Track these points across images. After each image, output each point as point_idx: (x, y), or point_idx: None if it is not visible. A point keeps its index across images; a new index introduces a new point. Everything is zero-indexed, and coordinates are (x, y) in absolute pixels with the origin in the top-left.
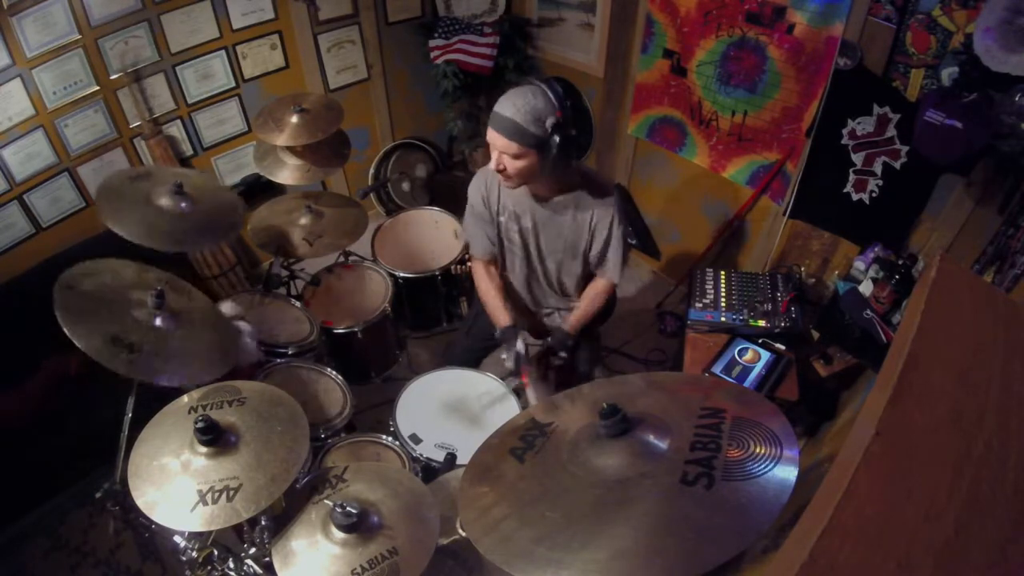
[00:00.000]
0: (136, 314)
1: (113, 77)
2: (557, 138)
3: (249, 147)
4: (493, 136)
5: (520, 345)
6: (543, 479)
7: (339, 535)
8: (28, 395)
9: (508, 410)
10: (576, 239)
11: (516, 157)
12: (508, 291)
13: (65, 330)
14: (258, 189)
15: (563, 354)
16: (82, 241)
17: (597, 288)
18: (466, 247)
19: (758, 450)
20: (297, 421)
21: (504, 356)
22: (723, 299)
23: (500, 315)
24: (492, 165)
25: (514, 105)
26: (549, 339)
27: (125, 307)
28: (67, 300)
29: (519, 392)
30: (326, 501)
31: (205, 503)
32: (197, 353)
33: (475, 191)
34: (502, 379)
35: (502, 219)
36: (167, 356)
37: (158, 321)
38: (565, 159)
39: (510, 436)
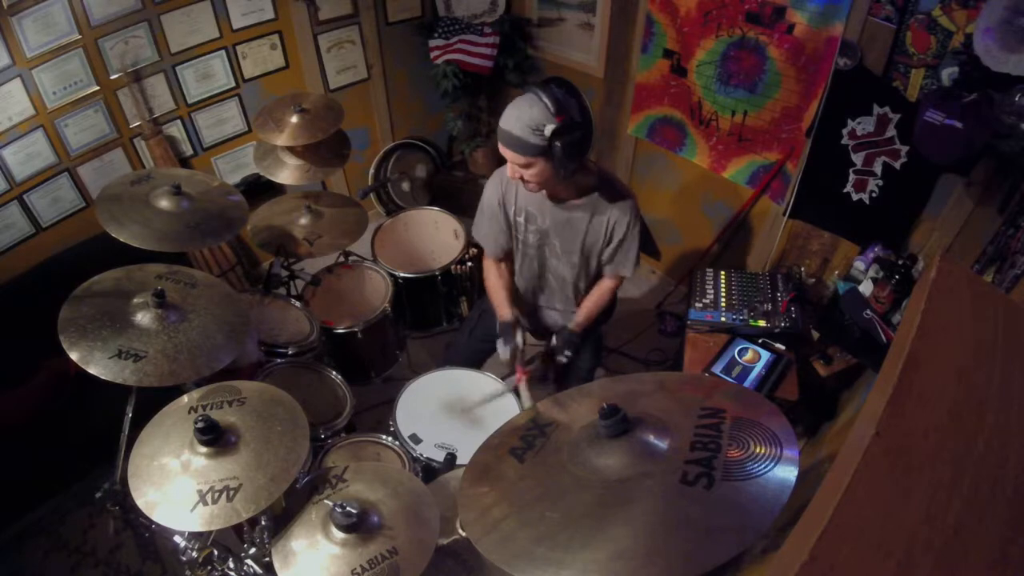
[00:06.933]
0: (138, 319)
1: (113, 77)
2: (558, 144)
3: (249, 147)
4: (501, 149)
5: (519, 339)
6: (543, 479)
7: (339, 535)
8: (28, 395)
9: (508, 410)
10: (594, 241)
11: (526, 167)
12: (518, 289)
13: (74, 358)
14: (258, 189)
15: (568, 352)
16: (82, 241)
17: (603, 286)
18: (466, 247)
19: (758, 450)
20: (297, 421)
21: (500, 350)
22: (723, 299)
23: (504, 308)
24: (508, 174)
25: (512, 118)
26: (553, 338)
27: (126, 315)
28: (70, 330)
29: (517, 391)
30: (326, 501)
31: (205, 503)
32: (209, 337)
33: (491, 191)
34: (502, 379)
35: (519, 219)
36: (174, 355)
37: (162, 320)
38: (573, 162)
39: (510, 436)
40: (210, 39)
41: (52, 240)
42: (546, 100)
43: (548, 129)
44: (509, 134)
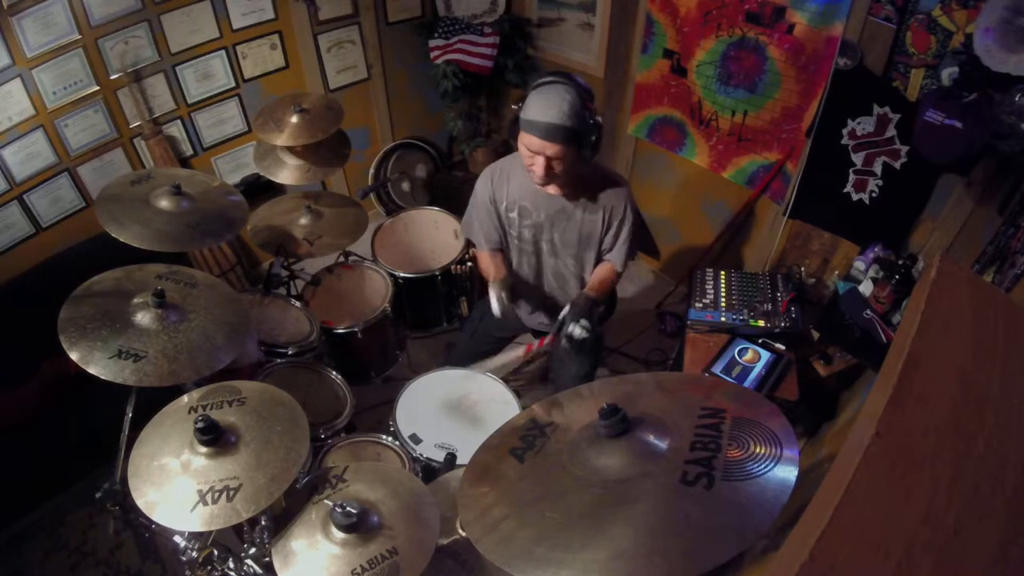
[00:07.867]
0: (138, 319)
1: (113, 77)
2: (592, 122)
3: (249, 147)
4: (543, 145)
5: (503, 293)
6: (543, 479)
7: (339, 535)
8: (28, 395)
9: (508, 410)
10: (591, 230)
11: (558, 156)
12: (516, 288)
13: (74, 358)
14: (258, 189)
15: (584, 323)
16: (82, 241)
17: (605, 267)
18: (466, 247)
19: (758, 450)
20: (297, 421)
21: (493, 301)
22: (723, 299)
23: (500, 270)
24: (539, 172)
25: (554, 107)
26: (566, 308)
27: (126, 315)
28: (70, 330)
29: (519, 392)
30: (326, 501)
31: (205, 503)
32: (209, 337)
33: (483, 190)
34: (502, 379)
35: (512, 215)
36: (174, 355)
37: (162, 320)
38: (598, 142)
39: (510, 436)
40: (210, 39)
41: (52, 240)
42: (576, 87)
43: (586, 114)
44: (551, 125)
